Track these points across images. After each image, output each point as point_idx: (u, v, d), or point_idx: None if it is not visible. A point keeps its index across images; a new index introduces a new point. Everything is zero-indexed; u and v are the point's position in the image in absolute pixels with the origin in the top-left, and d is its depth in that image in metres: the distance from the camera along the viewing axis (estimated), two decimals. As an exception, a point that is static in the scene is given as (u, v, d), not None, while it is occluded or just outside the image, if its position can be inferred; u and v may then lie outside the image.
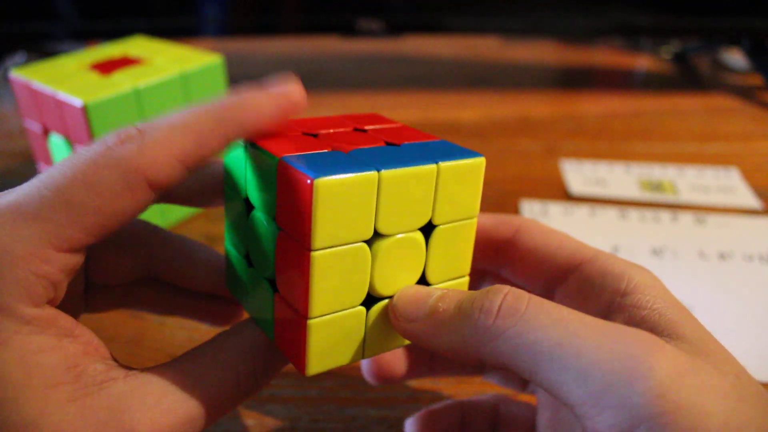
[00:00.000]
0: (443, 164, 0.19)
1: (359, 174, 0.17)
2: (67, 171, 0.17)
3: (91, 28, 0.70)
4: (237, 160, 0.21)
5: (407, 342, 0.21)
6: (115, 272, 0.23)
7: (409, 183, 0.19)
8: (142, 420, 0.17)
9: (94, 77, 0.38)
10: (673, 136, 0.61)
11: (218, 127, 0.19)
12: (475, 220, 0.21)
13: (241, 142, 0.20)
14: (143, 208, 0.18)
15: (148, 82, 0.38)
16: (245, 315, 0.25)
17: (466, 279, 0.22)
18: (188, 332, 0.33)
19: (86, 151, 0.18)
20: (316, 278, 0.18)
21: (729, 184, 0.50)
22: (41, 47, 0.78)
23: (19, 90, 0.40)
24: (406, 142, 0.21)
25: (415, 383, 0.30)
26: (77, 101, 0.35)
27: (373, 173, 0.18)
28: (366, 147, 0.20)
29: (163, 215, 0.42)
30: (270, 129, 0.20)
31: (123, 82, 0.37)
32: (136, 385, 0.18)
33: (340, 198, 0.17)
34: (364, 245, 0.18)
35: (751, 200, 0.48)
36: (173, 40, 0.46)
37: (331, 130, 0.21)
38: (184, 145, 0.18)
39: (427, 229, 0.20)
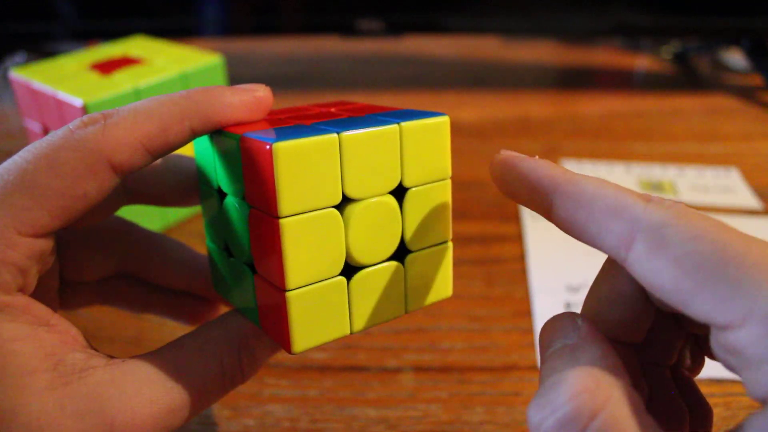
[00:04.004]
0: (405, 124, 0.19)
1: (319, 137, 0.18)
2: (30, 156, 0.17)
3: (91, 28, 0.70)
4: (206, 154, 0.21)
5: (397, 315, 0.21)
6: (89, 268, 0.23)
7: (371, 144, 0.19)
8: (122, 409, 0.17)
9: (94, 77, 0.38)
10: (673, 136, 0.61)
11: (182, 114, 0.19)
12: (448, 182, 0.21)
13: (206, 136, 0.20)
14: (108, 191, 0.18)
15: (148, 82, 0.38)
16: (220, 312, 0.25)
17: (449, 245, 0.22)
18: (187, 331, 0.33)
19: (50, 137, 0.18)
20: (288, 247, 0.18)
21: (729, 184, 0.50)
22: (41, 47, 0.78)
23: (19, 90, 0.40)
24: (369, 113, 0.21)
25: (415, 381, 0.30)
26: (77, 101, 0.35)
27: (333, 136, 0.18)
28: (328, 120, 0.20)
29: (163, 216, 0.42)
30: (234, 122, 0.20)
31: (123, 82, 0.37)
32: (116, 374, 0.18)
33: (301, 162, 0.17)
34: (334, 210, 0.18)
35: (751, 200, 0.48)
36: (173, 40, 0.46)
37: (295, 114, 0.22)
38: (147, 129, 0.18)
39: (400, 193, 0.20)
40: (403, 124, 0.19)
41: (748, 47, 0.75)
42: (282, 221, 0.17)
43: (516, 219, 0.45)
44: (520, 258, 0.40)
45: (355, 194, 0.19)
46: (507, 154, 0.19)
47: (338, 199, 0.18)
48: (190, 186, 0.22)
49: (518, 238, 0.42)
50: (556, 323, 0.18)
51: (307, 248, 0.18)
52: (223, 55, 0.43)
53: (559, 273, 0.38)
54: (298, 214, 0.18)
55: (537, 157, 0.19)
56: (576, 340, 0.17)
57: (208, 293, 0.25)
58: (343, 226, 0.19)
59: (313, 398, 0.29)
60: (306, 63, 0.90)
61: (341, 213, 0.19)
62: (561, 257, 0.40)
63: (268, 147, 0.17)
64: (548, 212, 0.17)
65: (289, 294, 0.18)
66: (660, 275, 0.14)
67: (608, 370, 0.15)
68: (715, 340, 0.14)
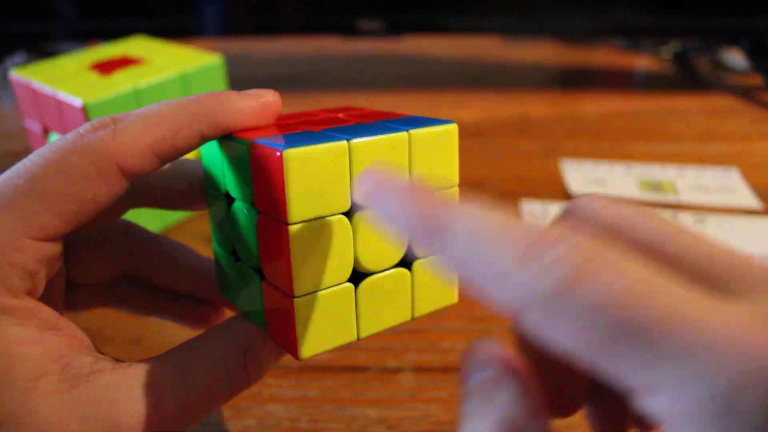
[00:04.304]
0: (414, 132, 0.19)
1: (329, 144, 0.18)
2: (40, 160, 0.17)
3: (91, 28, 0.70)
4: (214, 158, 0.21)
5: (403, 320, 0.21)
6: (94, 271, 0.23)
7: (381, 152, 0.19)
8: (129, 413, 0.17)
9: (94, 77, 0.38)
10: (673, 136, 0.61)
11: (191, 119, 0.19)
12: (456, 190, 0.21)
13: (215, 141, 0.20)
14: (117, 195, 0.18)
15: (148, 82, 0.38)
16: (225, 317, 0.25)
17: None
18: (188, 333, 0.33)
19: (60, 141, 0.18)
20: (296, 253, 0.18)
21: (729, 184, 0.50)
22: (41, 47, 0.78)
23: (19, 90, 0.40)
24: (378, 120, 0.21)
25: (415, 381, 0.30)
26: (77, 101, 0.35)
27: (342, 143, 0.18)
28: (337, 126, 0.20)
29: (163, 217, 0.42)
30: (243, 127, 0.20)
31: (123, 82, 0.37)
32: (123, 378, 0.18)
33: (311, 169, 0.17)
34: (343, 217, 0.18)
35: (751, 200, 0.48)
36: (173, 40, 0.46)
37: (303, 119, 0.22)
38: (156, 134, 0.18)
39: None
40: (411, 131, 0.19)
41: (748, 47, 0.75)
42: (291, 228, 0.17)
43: (516, 219, 0.45)
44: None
45: (364, 201, 0.19)
46: (370, 182, 0.16)
47: (347, 206, 0.18)
48: (197, 190, 0.22)
49: (518, 238, 0.42)
50: (473, 353, 0.16)
51: (316, 255, 0.18)
52: (223, 55, 0.43)
53: (559, 273, 0.38)
54: (307, 221, 0.18)
55: (409, 181, 0.16)
56: (492, 374, 0.15)
57: (213, 297, 0.25)
58: (352, 233, 0.19)
59: (314, 398, 0.29)
60: (306, 63, 0.90)
61: (350, 220, 0.19)
62: (561, 257, 0.40)
63: (278, 154, 0.17)
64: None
65: (296, 300, 0.18)
66: (556, 345, 0.13)
67: (524, 416, 0.14)
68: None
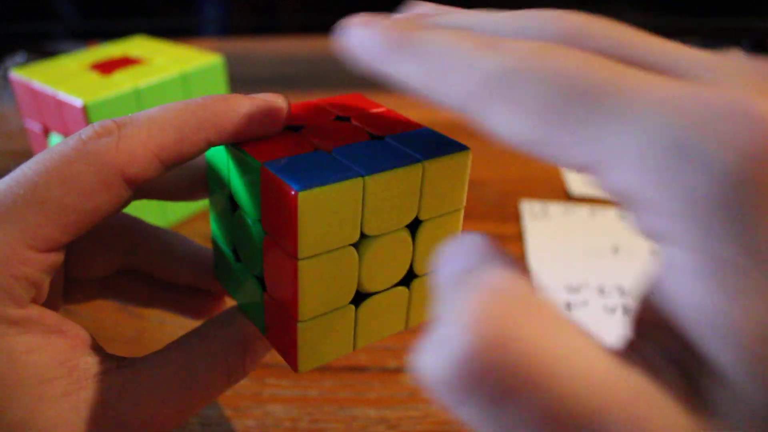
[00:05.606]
0: (429, 163, 0.19)
1: (344, 182, 0.17)
2: (41, 167, 0.17)
3: (91, 28, 0.70)
4: (219, 155, 0.20)
5: (398, 329, 0.21)
6: (94, 265, 0.23)
7: (394, 184, 0.18)
8: (135, 411, 0.17)
9: (94, 77, 0.38)
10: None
11: (199, 125, 0.18)
12: (461, 212, 0.21)
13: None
14: (120, 204, 0.18)
15: (148, 82, 0.38)
16: (224, 307, 0.25)
17: None
18: (188, 328, 0.33)
19: (61, 146, 0.17)
20: (304, 285, 0.18)
21: (729, 184, 0.50)
22: (41, 47, 0.78)
23: (19, 90, 0.40)
24: (389, 134, 0.20)
25: (414, 380, 0.30)
26: (77, 101, 0.35)
27: (357, 179, 0.17)
28: (349, 143, 0.19)
29: (164, 215, 0.42)
30: (251, 135, 0.19)
31: (123, 82, 0.37)
32: (128, 377, 0.18)
33: (324, 207, 0.17)
34: (351, 248, 0.18)
35: (751, 200, 0.48)
36: (173, 40, 0.46)
37: (313, 123, 0.21)
38: (162, 140, 0.18)
39: (414, 224, 0.20)
40: (426, 163, 0.19)
41: (748, 47, 0.75)
42: (301, 263, 0.17)
43: (516, 219, 0.45)
44: (520, 258, 0.40)
45: (373, 231, 0.19)
46: (352, 33, 0.16)
47: (356, 237, 0.18)
48: (199, 181, 0.22)
49: (518, 238, 0.42)
50: (448, 248, 0.13)
51: (322, 284, 0.18)
52: (223, 55, 0.43)
53: (559, 273, 0.38)
54: (317, 255, 0.17)
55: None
56: (475, 261, 0.12)
57: (211, 287, 0.25)
58: (358, 261, 0.19)
59: (314, 398, 0.29)
60: (306, 63, 0.90)
61: (357, 248, 0.18)
62: (561, 257, 0.40)
63: (293, 193, 0.16)
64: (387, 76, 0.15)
65: (300, 324, 0.18)
66: (507, 130, 0.13)
67: (522, 287, 0.11)
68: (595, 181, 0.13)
